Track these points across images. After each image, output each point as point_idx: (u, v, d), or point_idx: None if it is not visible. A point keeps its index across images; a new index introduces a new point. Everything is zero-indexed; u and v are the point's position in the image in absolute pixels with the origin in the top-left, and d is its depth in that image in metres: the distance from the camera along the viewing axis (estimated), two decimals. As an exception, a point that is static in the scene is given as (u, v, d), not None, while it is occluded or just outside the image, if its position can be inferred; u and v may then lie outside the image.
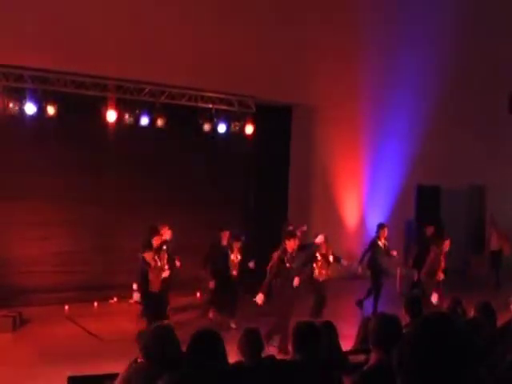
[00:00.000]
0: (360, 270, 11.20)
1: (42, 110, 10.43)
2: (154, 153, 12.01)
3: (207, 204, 12.36)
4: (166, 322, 5.33)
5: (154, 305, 8.92)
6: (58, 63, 10.37)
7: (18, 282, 10.74)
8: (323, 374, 3.98)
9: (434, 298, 9.92)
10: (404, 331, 3.60)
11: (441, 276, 10.40)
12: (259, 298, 8.39)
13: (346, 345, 5.34)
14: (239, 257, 10.22)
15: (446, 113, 16.16)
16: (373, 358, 3.65)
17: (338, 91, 14.57)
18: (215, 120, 12.20)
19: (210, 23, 12.40)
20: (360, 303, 11.16)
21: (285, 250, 8.55)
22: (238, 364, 4.08)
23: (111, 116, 10.99)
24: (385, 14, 15.22)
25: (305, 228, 11.64)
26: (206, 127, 12.13)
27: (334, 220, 14.85)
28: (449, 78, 15.87)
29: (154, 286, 9.07)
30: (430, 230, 12.84)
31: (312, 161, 14.67)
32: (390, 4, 15.39)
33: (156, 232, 9.68)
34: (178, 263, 10.11)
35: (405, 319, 4.99)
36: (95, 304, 11.28)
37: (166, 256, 9.50)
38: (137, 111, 11.39)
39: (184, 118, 12.04)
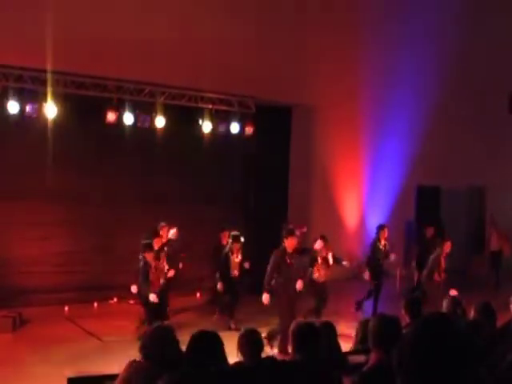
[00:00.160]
0: (367, 276, 10.85)
1: (41, 110, 10.43)
2: (154, 153, 12.02)
3: (207, 204, 12.37)
4: (166, 322, 5.33)
5: (154, 305, 8.91)
6: (58, 63, 10.36)
7: (17, 282, 10.74)
8: (323, 374, 3.98)
9: (453, 293, 9.78)
10: (404, 332, 3.60)
11: (442, 276, 10.36)
12: (265, 298, 8.41)
13: (346, 345, 5.34)
14: (240, 257, 10.25)
15: (446, 113, 16.15)
16: (372, 358, 3.66)
17: (338, 91, 14.58)
18: (215, 120, 12.21)
19: (210, 23, 12.39)
20: (358, 305, 11.12)
21: (284, 249, 8.55)
22: (237, 364, 4.08)
23: (111, 116, 10.99)
24: (385, 13, 15.22)
25: (305, 229, 11.59)
26: (206, 127, 12.13)
27: (333, 220, 14.85)
28: (449, 77, 15.86)
29: (154, 287, 9.07)
30: (430, 232, 12.84)
31: (312, 161, 14.67)
32: (390, 4, 15.39)
33: (156, 234, 9.68)
34: (180, 265, 10.12)
35: (404, 320, 4.99)
36: (95, 304, 11.29)
37: (165, 258, 9.51)
38: (137, 111, 11.40)
39: (184, 118, 12.05)
